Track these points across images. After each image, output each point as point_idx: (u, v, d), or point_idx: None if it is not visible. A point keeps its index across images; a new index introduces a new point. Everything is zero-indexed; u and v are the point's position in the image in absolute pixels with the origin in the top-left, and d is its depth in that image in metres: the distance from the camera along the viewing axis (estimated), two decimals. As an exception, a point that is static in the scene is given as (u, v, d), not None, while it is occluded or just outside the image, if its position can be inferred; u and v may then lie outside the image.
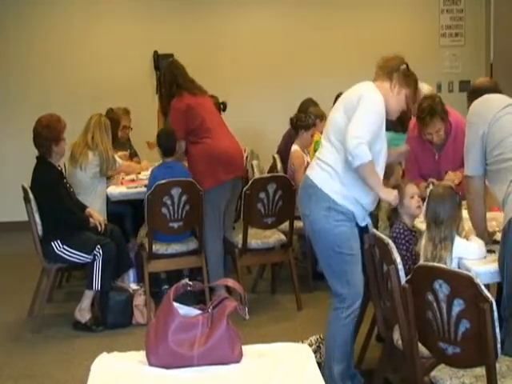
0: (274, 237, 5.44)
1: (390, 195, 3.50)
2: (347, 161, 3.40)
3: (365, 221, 3.62)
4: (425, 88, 5.37)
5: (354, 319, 3.64)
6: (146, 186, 5.49)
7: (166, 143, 5.31)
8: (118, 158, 5.66)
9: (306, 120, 5.65)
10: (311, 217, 3.58)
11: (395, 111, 3.65)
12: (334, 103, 6.71)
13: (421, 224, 3.69)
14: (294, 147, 5.66)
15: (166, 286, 5.42)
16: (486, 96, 3.43)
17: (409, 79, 3.61)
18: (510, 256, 3.01)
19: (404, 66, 3.60)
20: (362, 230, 3.61)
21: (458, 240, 3.20)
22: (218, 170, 5.22)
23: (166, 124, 5.59)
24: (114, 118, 6.52)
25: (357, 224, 3.60)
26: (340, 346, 3.63)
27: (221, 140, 5.31)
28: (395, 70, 3.57)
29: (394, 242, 3.32)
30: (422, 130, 4.34)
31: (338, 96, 6.76)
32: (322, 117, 5.66)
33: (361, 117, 3.39)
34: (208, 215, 5.24)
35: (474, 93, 3.68)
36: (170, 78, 5.35)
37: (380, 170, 3.55)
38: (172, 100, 5.33)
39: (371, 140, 3.39)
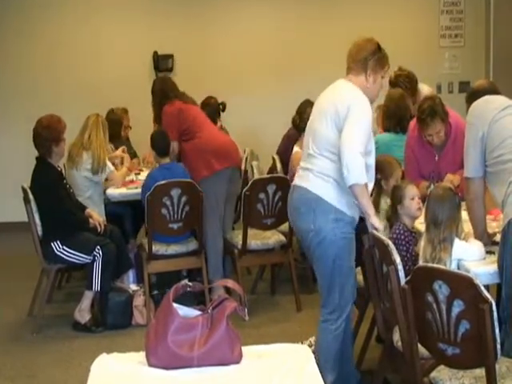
0: (274, 238, 5.44)
1: (380, 223, 3.44)
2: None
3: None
4: (425, 89, 5.37)
5: (344, 329, 3.61)
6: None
7: (159, 144, 5.37)
8: (109, 164, 5.60)
9: None
10: (317, 228, 3.48)
11: (375, 96, 3.63)
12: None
13: (420, 225, 3.68)
14: (296, 149, 5.62)
15: (156, 291, 5.41)
16: (486, 97, 3.43)
17: (382, 61, 3.56)
18: (510, 257, 3.01)
19: (375, 54, 3.53)
20: (359, 232, 3.63)
21: (457, 242, 3.19)
22: (211, 160, 5.33)
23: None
24: (115, 118, 6.56)
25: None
26: (332, 357, 3.60)
27: (212, 134, 5.52)
28: (367, 61, 3.52)
29: (394, 243, 3.32)
30: (423, 131, 4.33)
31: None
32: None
33: (354, 128, 3.35)
34: (206, 208, 5.26)
35: (473, 95, 3.67)
36: (160, 94, 5.60)
37: (371, 171, 3.55)
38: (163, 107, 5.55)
39: (364, 147, 3.38)
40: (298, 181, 3.64)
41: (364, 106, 3.45)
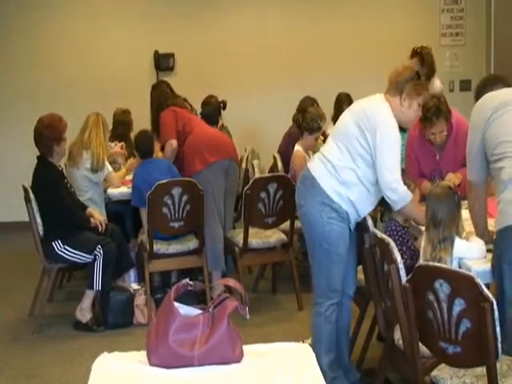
0: (275, 236, 5.43)
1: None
2: (351, 166, 3.56)
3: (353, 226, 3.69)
4: (437, 83, 5.31)
5: (334, 311, 3.71)
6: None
7: (142, 145, 5.42)
8: (108, 165, 5.60)
9: (312, 124, 5.55)
10: (305, 208, 3.67)
11: (409, 122, 3.81)
12: (335, 104, 6.78)
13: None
14: (297, 148, 5.61)
15: (160, 295, 5.40)
16: (489, 94, 3.37)
17: (419, 88, 3.65)
18: (507, 266, 2.97)
19: (413, 80, 3.63)
20: (360, 231, 3.64)
21: (458, 241, 3.19)
22: (205, 154, 5.38)
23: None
24: (124, 120, 6.58)
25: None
26: (326, 339, 3.71)
27: (204, 131, 5.64)
28: (404, 84, 3.62)
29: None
30: (427, 129, 4.30)
31: (338, 97, 6.81)
32: (322, 117, 5.64)
33: (388, 154, 3.51)
34: (204, 201, 5.27)
35: (480, 92, 3.62)
36: (156, 105, 5.79)
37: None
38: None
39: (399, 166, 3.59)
40: (309, 161, 3.89)
41: (392, 125, 3.56)
